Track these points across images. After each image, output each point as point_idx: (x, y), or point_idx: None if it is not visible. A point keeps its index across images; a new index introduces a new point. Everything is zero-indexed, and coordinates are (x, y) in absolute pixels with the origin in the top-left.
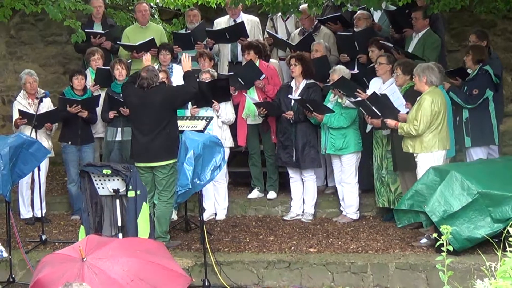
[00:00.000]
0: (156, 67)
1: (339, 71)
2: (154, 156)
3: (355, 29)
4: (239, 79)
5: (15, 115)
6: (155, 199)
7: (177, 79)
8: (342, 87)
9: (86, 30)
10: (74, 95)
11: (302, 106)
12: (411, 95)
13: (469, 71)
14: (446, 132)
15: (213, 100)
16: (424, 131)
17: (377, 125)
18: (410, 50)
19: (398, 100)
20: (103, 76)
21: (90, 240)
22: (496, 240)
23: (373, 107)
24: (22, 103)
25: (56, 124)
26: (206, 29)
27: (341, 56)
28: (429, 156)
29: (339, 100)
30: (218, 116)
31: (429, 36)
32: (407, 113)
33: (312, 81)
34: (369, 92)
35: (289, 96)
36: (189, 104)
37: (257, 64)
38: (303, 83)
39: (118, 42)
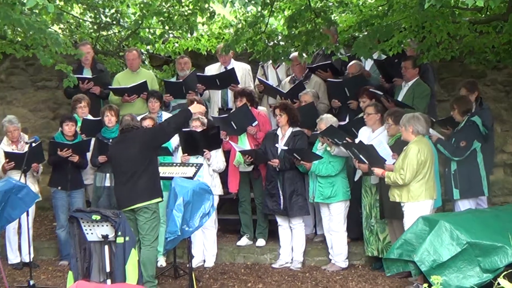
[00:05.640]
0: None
1: (326, 120)
2: (136, 197)
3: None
4: (232, 122)
5: (1, 160)
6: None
7: None
8: (330, 135)
9: (75, 76)
10: (64, 140)
11: (289, 155)
12: (400, 145)
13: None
14: (433, 181)
15: (204, 149)
16: (411, 180)
17: (364, 170)
18: (399, 99)
19: (384, 151)
20: (90, 126)
21: (79, 286)
22: None
23: (360, 155)
24: (5, 150)
25: (41, 167)
26: (197, 74)
27: (332, 102)
28: (416, 205)
29: (328, 149)
30: (209, 165)
31: (418, 86)
32: (394, 163)
33: (298, 129)
34: (357, 141)
35: (276, 145)
36: (180, 151)
37: None
38: (289, 131)
39: (109, 87)
